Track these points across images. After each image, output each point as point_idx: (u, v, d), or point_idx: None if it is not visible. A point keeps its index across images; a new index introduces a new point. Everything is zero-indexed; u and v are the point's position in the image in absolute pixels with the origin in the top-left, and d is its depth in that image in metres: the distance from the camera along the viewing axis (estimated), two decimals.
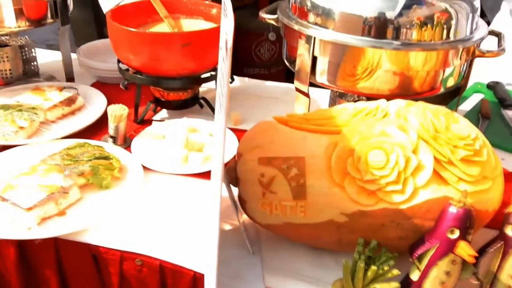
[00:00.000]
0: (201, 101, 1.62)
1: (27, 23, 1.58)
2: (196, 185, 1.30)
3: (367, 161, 0.97)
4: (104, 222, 1.16)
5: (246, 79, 1.92)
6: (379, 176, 0.96)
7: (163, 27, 1.60)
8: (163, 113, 1.61)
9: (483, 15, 1.45)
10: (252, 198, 1.03)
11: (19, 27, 1.57)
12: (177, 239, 1.13)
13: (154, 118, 1.59)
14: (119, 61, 1.55)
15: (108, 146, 1.38)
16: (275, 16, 1.39)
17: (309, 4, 1.29)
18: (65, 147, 1.33)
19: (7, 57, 1.68)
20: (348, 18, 1.23)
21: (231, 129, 1.50)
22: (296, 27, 1.30)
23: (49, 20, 1.62)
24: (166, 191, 1.28)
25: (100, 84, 1.77)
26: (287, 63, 1.43)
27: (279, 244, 1.11)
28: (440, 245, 0.93)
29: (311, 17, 1.29)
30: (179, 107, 1.59)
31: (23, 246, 1.17)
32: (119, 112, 1.39)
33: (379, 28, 1.20)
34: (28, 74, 1.74)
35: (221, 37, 1.05)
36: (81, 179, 1.23)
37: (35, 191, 1.15)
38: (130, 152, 1.39)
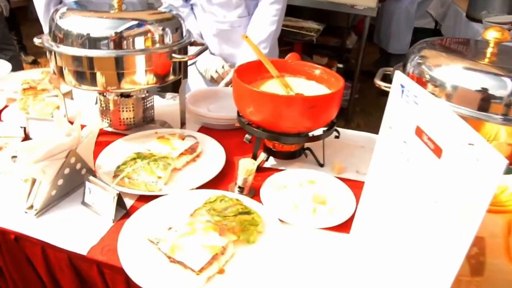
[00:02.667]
0: (306, 151, 1.38)
1: (155, 80, 1.33)
2: (327, 237, 1.09)
3: None
4: (260, 277, 0.93)
5: None
6: None
7: (272, 84, 1.37)
8: (271, 160, 1.38)
9: None
10: None
11: (147, 83, 1.32)
12: None
13: (265, 165, 1.35)
14: (239, 115, 1.32)
15: (244, 199, 1.14)
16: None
17: (427, 76, 1.08)
18: (207, 201, 1.11)
19: (132, 106, 1.43)
20: (465, 93, 1.03)
21: (340, 178, 1.28)
22: None
23: (171, 77, 1.38)
24: (301, 242, 1.06)
25: (206, 129, 1.53)
26: None
27: None
28: None
29: (429, 87, 1.08)
30: (288, 157, 1.37)
31: None
32: (250, 167, 1.16)
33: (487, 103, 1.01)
34: (146, 121, 1.49)
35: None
36: (233, 236, 1.01)
37: (200, 251, 0.93)
38: (261, 202, 1.16)
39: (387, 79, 1.23)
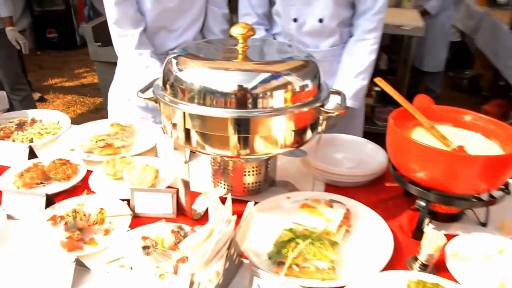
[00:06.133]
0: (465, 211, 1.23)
1: (294, 141, 1.15)
2: None
3: None
4: None
5: None
6: None
7: (422, 134, 1.22)
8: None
9: None
10: None
11: (285, 146, 1.14)
12: None
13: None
14: (395, 169, 1.16)
15: (442, 282, 0.97)
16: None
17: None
18: None
19: (257, 169, 1.26)
20: None
21: None
22: None
23: (310, 135, 1.19)
24: None
25: (333, 188, 1.35)
26: None
27: None
28: None
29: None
30: (449, 219, 1.20)
31: None
32: (440, 242, 1.00)
33: None
34: (268, 183, 1.31)
35: None
36: None
37: None
38: (456, 282, 0.99)
39: None
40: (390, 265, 1.05)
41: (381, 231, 1.14)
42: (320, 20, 1.69)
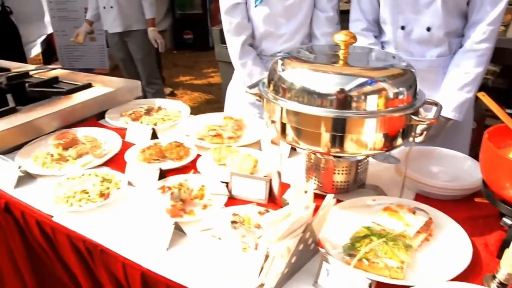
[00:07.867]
0: None
1: (383, 145, 1.28)
2: None
3: None
4: None
5: None
6: None
7: None
8: None
9: None
10: None
11: (374, 149, 1.27)
12: None
13: None
14: (485, 185, 1.21)
15: None
16: None
17: None
18: None
19: (347, 168, 1.40)
20: None
21: None
22: None
23: (400, 141, 1.30)
24: None
25: (423, 198, 1.43)
26: None
27: None
28: None
29: None
30: None
31: None
32: None
33: None
34: (357, 184, 1.44)
35: None
36: None
37: None
38: None
39: None
40: (465, 279, 1.11)
41: (462, 244, 1.19)
42: (428, 29, 1.76)
